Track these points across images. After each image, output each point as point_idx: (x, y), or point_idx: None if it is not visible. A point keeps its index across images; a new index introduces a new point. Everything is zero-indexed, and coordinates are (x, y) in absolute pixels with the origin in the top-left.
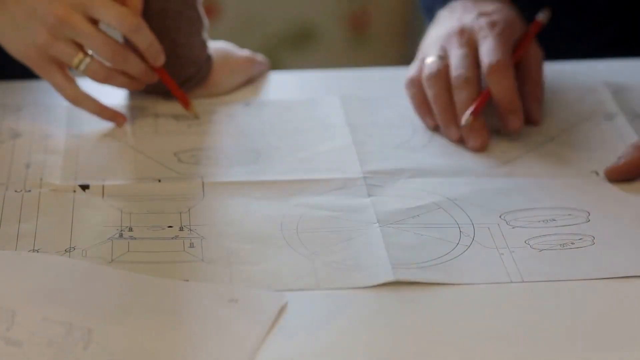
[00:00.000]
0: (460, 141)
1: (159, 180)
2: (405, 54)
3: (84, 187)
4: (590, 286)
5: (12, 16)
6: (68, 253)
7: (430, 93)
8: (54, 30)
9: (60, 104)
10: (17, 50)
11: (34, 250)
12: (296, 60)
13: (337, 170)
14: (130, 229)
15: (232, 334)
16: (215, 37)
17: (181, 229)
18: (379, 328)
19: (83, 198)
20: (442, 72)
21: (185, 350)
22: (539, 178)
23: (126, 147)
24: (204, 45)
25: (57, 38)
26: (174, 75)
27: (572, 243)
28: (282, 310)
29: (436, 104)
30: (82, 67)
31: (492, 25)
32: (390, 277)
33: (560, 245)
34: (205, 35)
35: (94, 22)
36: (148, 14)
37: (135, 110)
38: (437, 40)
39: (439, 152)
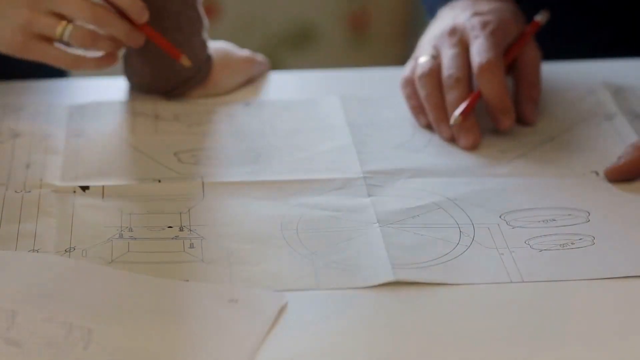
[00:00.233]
0: (453, 140)
1: (159, 181)
2: (405, 54)
3: (84, 188)
4: (590, 286)
5: None
6: (68, 253)
7: (422, 93)
8: (32, 5)
9: (60, 103)
10: (4, 40)
11: (34, 250)
12: (296, 60)
13: (337, 170)
14: (130, 229)
15: (232, 334)
16: (215, 37)
17: (181, 229)
18: (379, 328)
19: (83, 198)
20: (434, 72)
21: (185, 350)
22: (539, 178)
23: (126, 147)
24: (204, 45)
25: (37, 12)
26: (174, 76)
27: (572, 243)
28: (282, 310)
29: (428, 103)
30: (66, 35)
31: (484, 25)
32: (390, 277)
33: (560, 245)
34: (205, 35)
35: None
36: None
37: (135, 110)
38: (431, 40)
39: (439, 152)
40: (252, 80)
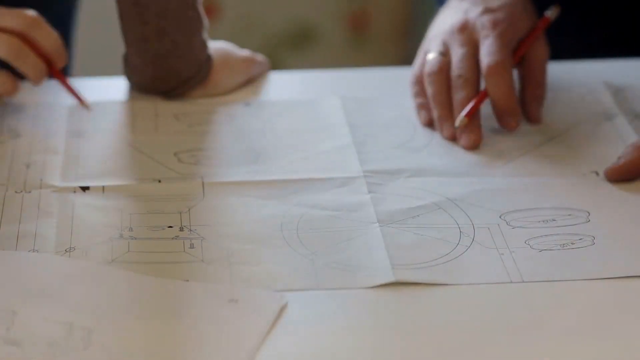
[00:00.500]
0: (454, 139)
1: (159, 181)
2: (405, 54)
3: (84, 188)
4: (590, 286)
5: None
6: (68, 253)
7: (429, 90)
8: None
9: (61, 104)
10: None
11: (34, 250)
12: (296, 60)
13: (337, 170)
14: (131, 229)
15: (232, 334)
16: (215, 37)
17: (181, 229)
18: (378, 328)
19: (83, 198)
20: (443, 70)
21: (185, 350)
22: (539, 178)
23: (126, 147)
24: (204, 45)
25: None
26: (174, 75)
27: (572, 243)
28: (282, 310)
29: (434, 101)
30: None
31: (495, 24)
32: (391, 278)
33: (560, 245)
34: (205, 35)
35: None
36: (148, 14)
37: (135, 110)
38: (440, 34)
39: (439, 152)
40: (252, 80)
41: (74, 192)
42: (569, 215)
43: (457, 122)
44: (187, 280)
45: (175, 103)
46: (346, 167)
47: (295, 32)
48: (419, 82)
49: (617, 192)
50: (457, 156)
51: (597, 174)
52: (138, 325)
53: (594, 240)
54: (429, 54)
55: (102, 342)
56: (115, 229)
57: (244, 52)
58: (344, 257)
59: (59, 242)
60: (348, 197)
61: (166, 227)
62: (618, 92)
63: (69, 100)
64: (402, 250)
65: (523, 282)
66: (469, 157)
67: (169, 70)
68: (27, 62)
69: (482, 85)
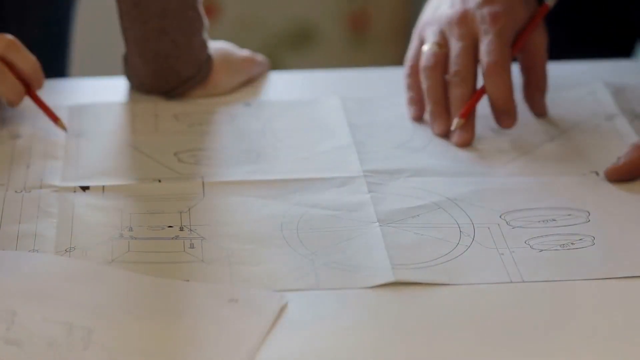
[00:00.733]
0: (445, 135)
1: (159, 180)
2: (405, 54)
3: (84, 188)
4: (590, 286)
5: None
6: (68, 253)
7: (424, 84)
8: None
9: (60, 103)
10: None
11: (34, 250)
12: (296, 60)
13: (337, 170)
14: (131, 229)
15: (232, 334)
16: (215, 37)
17: (181, 228)
18: (378, 328)
19: (83, 198)
20: (439, 63)
21: (185, 350)
22: (539, 178)
23: (126, 147)
24: (204, 45)
25: None
26: (174, 75)
27: (572, 243)
28: (282, 310)
29: (429, 96)
30: None
31: (495, 19)
32: (390, 278)
33: (560, 245)
34: (205, 35)
35: None
36: (148, 14)
37: (135, 110)
38: (437, 22)
39: (439, 152)
40: (252, 80)
41: (74, 192)
42: (569, 215)
43: (454, 125)
44: (187, 280)
45: (175, 103)
46: (346, 166)
47: (295, 32)
48: (413, 73)
49: (617, 192)
50: (457, 156)
51: (597, 174)
52: (138, 325)
53: (594, 240)
54: (425, 44)
55: (102, 342)
56: (115, 229)
57: (244, 52)
58: (344, 257)
59: (59, 242)
60: (348, 196)
61: (166, 227)
62: (618, 92)
63: (69, 100)
64: (402, 250)
65: (523, 282)
66: (469, 157)
67: (169, 70)
68: (6, 84)
69: (479, 82)
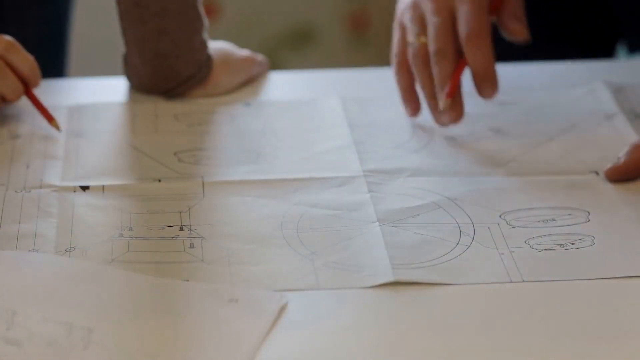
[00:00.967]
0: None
1: (159, 180)
2: None
3: (84, 188)
4: (590, 286)
5: None
6: (68, 253)
7: (418, 80)
8: None
9: (60, 103)
10: None
11: (34, 250)
12: (296, 60)
13: (337, 170)
14: (131, 229)
15: (232, 334)
16: (215, 37)
17: (181, 228)
18: (378, 328)
19: (83, 198)
20: (424, 55)
21: (185, 350)
22: (539, 178)
23: (126, 147)
24: (204, 45)
25: None
26: (174, 75)
27: (572, 243)
28: (282, 310)
29: (425, 91)
30: None
31: None
32: (390, 278)
33: (560, 245)
34: (205, 35)
35: None
36: (148, 14)
37: (135, 110)
38: (412, 2)
39: (439, 151)
40: (252, 80)
41: (74, 191)
42: (569, 215)
43: (441, 106)
44: (187, 280)
45: (175, 103)
46: (346, 166)
47: (295, 32)
48: (402, 70)
49: (617, 192)
50: (457, 156)
51: (597, 174)
52: (138, 325)
53: (594, 240)
54: (409, 36)
55: (102, 342)
56: (115, 229)
57: (244, 52)
58: (344, 257)
59: (59, 242)
60: (348, 196)
61: (166, 227)
62: (618, 92)
63: (69, 100)
64: (402, 250)
65: (523, 282)
66: (469, 157)
67: (169, 70)
68: (6, 82)
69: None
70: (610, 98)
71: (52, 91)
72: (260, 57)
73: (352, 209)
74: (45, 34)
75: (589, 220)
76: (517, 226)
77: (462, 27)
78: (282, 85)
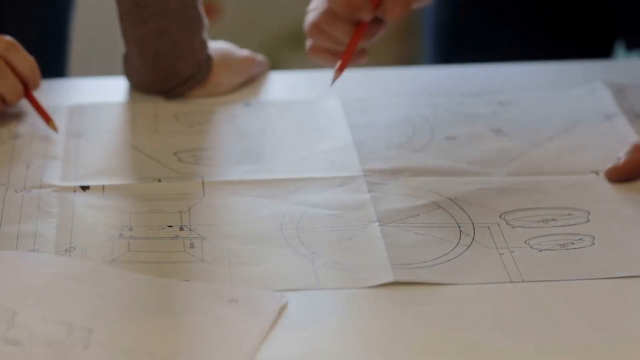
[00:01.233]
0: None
1: (159, 180)
2: (405, 54)
3: (84, 188)
4: (590, 286)
5: None
6: (68, 253)
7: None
8: None
9: (60, 103)
10: None
11: (34, 250)
12: (296, 60)
13: (337, 169)
14: (131, 229)
15: (232, 334)
16: (215, 37)
17: (181, 228)
18: (379, 328)
19: (83, 198)
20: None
21: (185, 350)
22: (539, 178)
23: (126, 147)
24: (204, 45)
25: None
26: (174, 75)
27: (572, 243)
28: (282, 310)
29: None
30: None
31: None
32: (390, 278)
33: (560, 245)
34: (205, 35)
35: None
36: (148, 14)
37: (135, 110)
38: None
39: (439, 151)
40: (252, 80)
41: (74, 191)
42: (569, 215)
43: (332, 79)
44: (187, 280)
45: (175, 103)
46: (346, 166)
47: (295, 32)
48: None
49: (617, 192)
50: (457, 156)
51: (597, 174)
52: (138, 325)
53: (594, 240)
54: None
55: (102, 342)
56: (115, 229)
57: (244, 52)
58: (344, 257)
59: (59, 242)
60: (348, 196)
61: (166, 227)
62: (618, 92)
63: (69, 100)
64: (402, 250)
65: (523, 282)
66: (469, 157)
67: (168, 69)
68: (6, 82)
69: None
70: (610, 98)
71: (52, 91)
72: (260, 57)
73: (352, 208)
74: (45, 34)
75: (589, 220)
76: (517, 226)
77: None
78: (282, 85)
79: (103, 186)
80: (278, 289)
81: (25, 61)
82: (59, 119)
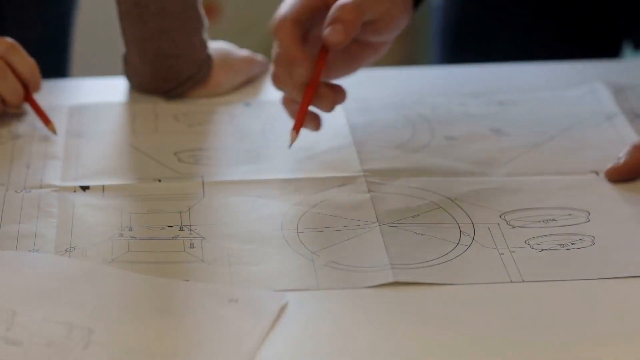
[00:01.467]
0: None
1: (159, 180)
2: (405, 54)
3: (84, 188)
4: (590, 286)
5: None
6: (68, 253)
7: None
8: None
9: (60, 104)
10: None
11: (34, 250)
12: None
13: (337, 169)
14: (131, 229)
15: (232, 334)
16: (215, 37)
17: (181, 228)
18: (379, 328)
19: (83, 198)
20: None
21: (185, 350)
22: (538, 177)
23: (126, 147)
24: (204, 45)
25: None
26: (174, 75)
27: (572, 243)
28: (282, 310)
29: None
30: None
31: None
32: (390, 278)
33: (560, 245)
34: (205, 35)
35: None
36: (148, 14)
37: (135, 110)
38: None
39: (439, 152)
40: (252, 80)
41: (74, 191)
42: (569, 215)
43: (290, 141)
44: (187, 280)
45: (175, 103)
46: (346, 166)
47: None
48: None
49: (617, 192)
50: (457, 156)
51: (597, 174)
52: (138, 325)
53: (594, 240)
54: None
55: (102, 342)
56: (115, 229)
57: (244, 52)
58: (344, 257)
59: (59, 242)
60: (348, 196)
61: (166, 227)
62: (618, 92)
63: (69, 100)
64: (402, 250)
65: (523, 282)
66: (469, 157)
67: (168, 70)
68: (6, 83)
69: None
70: (611, 98)
71: (52, 91)
72: (260, 57)
73: (352, 208)
74: (46, 35)
75: (589, 220)
76: (517, 226)
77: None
78: None
79: (103, 186)
80: (278, 289)
81: (26, 63)
82: (58, 119)
